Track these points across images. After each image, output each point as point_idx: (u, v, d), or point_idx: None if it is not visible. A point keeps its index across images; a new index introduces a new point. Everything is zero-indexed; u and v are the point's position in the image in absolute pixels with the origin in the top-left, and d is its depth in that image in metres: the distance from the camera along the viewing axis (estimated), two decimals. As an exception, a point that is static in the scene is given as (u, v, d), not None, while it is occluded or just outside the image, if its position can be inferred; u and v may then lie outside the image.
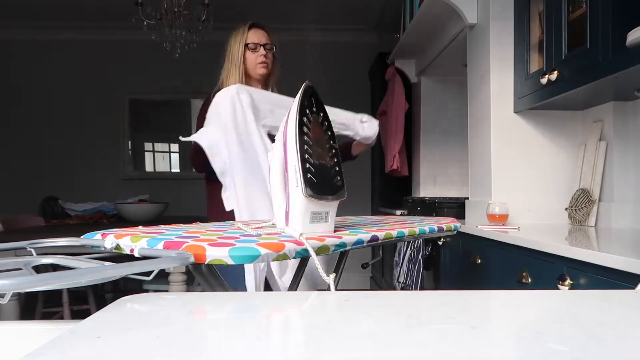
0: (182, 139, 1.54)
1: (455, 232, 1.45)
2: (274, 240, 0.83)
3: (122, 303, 0.52)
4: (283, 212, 0.96)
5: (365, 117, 1.81)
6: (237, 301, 0.59)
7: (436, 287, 2.43)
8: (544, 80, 1.82)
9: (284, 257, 0.80)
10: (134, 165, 4.99)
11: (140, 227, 1.03)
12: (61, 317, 2.87)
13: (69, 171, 4.79)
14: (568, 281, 1.25)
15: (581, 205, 1.94)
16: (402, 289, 2.66)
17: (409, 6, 3.25)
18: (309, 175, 0.90)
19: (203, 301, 0.60)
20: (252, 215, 1.48)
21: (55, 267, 0.64)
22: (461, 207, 2.53)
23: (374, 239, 1.03)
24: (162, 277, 2.25)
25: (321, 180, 0.92)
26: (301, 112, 0.93)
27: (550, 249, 1.34)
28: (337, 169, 0.99)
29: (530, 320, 0.50)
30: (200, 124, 1.65)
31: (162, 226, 1.06)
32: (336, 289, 1.34)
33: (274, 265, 1.45)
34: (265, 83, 1.92)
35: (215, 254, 0.74)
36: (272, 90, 1.88)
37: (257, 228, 1.02)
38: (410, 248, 2.62)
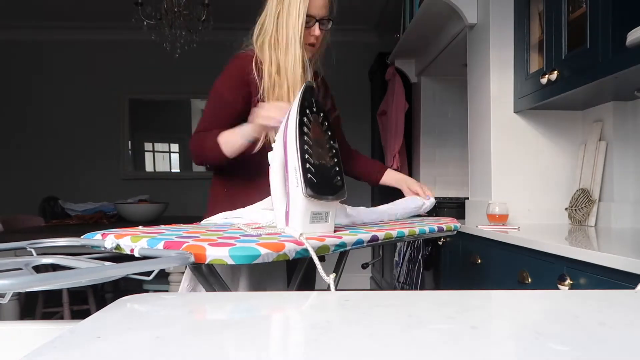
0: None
1: (455, 232, 1.45)
2: (274, 240, 0.83)
3: (122, 303, 0.52)
4: (283, 212, 0.96)
5: (427, 202, 1.59)
6: (237, 301, 0.59)
7: (436, 287, 2.43)
8: (544, 80, 1.82)
9: (284, 257, 0.80)
10: (134, 165, 4.99)
11: (140, 227, 1.03)
12: (61, 317, 2.87)
13: (69, 171, 4.79)
14: (568, 281, 1.25)
15: (581, 205, 1.94)
16: (402, 289, 2.66)
17: (409, 6, 3.25)
18: (309, 175, 0.90)
19: (203, 301, 0.60)
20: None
21: (55, 267, 0.64)
22: (461, 207, 2.53)
23: (374, 239, 1.03)
24: (162, 277, 2.25)
25: (321, 181, 0.92)
26: (301, 112, 0.93)
27: (550, 249, 1.34)
28: (337, 169, 0.99)
29: (530, 320, 0.50)
30: (225, 86, 1.43)
31: (162, 226, 1.06)
32: (336, 289, 1.33)
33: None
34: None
35: (216, 254, 0.74)
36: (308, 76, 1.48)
37: (257, 228, 1.02)
38: (410, 248, 2.62)
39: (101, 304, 3.01)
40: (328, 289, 0.79)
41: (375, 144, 4.33)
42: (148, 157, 5.08)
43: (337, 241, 0.92)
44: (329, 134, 0.99)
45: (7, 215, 3.23)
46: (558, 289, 1.27)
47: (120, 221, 3.25)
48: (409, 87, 3.66)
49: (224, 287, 0.91)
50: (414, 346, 0.39)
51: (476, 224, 1.99)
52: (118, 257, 0.77)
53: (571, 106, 2.07)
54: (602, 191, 1.92)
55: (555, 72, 1.76)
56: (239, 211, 1.22)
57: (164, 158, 5.16)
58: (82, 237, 0.92)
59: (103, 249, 0.85)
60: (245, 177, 1.45)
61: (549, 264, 1.35)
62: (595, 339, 0.41)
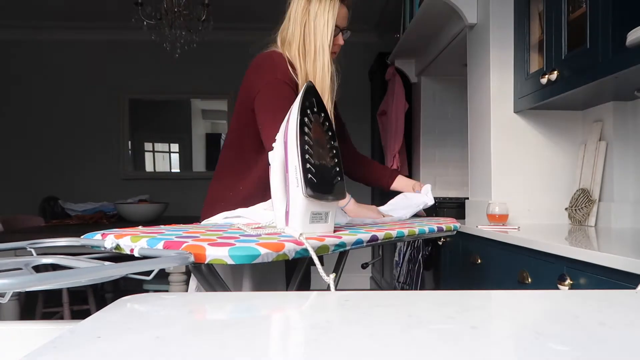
0: None
1: (455, 232, 1.45)
2: (274, 240, 0.83)
3: (122, 303, 0.52)
4: (283, 212, 0.96)
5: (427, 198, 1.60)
6: (237, 301, 0.59)
7: (436, 287, 2.43)
8: (544, 80, 1.82)
9: (284, 256, 0.80)
10: (134, 165, 4.99)
11: (140, 227, 1.03)
12: (61, 317, 2.87)
13: (69, 171, 4.79)
14: (568, 281, 1.25)
15: (581, 205, 1.94)
16: (402, 289, 2.66)
17: (409, 6, 3.25)
18: (310, 175, 0.90)
19: (203, 301, 0.60)
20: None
21: (55, 267, 0.64)
22: (461, 207, 2.53)
23: (374, 239, 1.03)
24: (162, 277, 2.25)
25: (321, 181, 0.92)
26: (302, 112, 0.93)
27: (550, 249, 1.34)
28: (338, 169, 0.98)
29: (530, 320, 0.50)
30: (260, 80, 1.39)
31: (162, 226, 1.06)
32: (336, 289, 1.33)
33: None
34: None
35: (215, 254, 0.74)
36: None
37: (256, 228, 1.02)
38: (410, 248, 2.62)
39: (101, 304, 3.01)
40: (328, 288, 0.79)
41: (375, 144, 4.33)
42: (148, 157, 5.09)
43: (337, 241, 0.92)
44: (330, 134, 0.99)
45: (7, 215, 3.23)
46: (558, 289, 1.27)
47: (120, 221, 3.25)
48: (409, 87, 3.66)
49: (224, 287, 0.91)
50: (414, 346, 0.39)
51: (476, 224, 1.99)
52: (118, 257, 0.77)
53: (571, 106, 2.07)
54: (602, 191, 1.92)
55: (555, 72, 1.76)
56: (239, 211, 1.22)
57: (164, 158, 5.16)
58: (82, 237, 0.92)
59: (103, 249, 0.85)
60: (258, 183, 1.41)
61: (549, 264, 1.35)
62: (595, 339, 0.41)
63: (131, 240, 0.83)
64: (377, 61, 4.15)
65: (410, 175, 3.73)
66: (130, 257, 0.71)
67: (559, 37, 1.78)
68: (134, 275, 0.63)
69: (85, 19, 4.60)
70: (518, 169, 2.15)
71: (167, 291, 2.41)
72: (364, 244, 1.00)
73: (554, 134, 2.15)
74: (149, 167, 5.05)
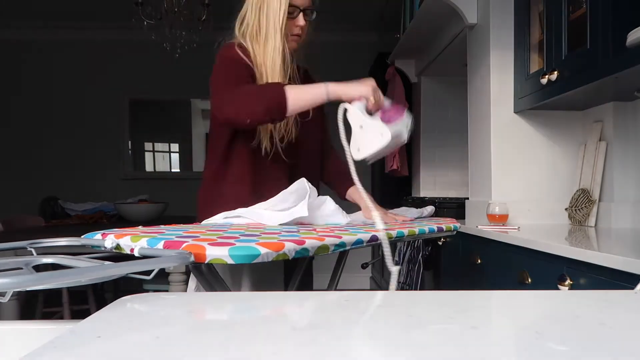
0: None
1: (455, 232, 1.45)
2: (274, 239, 0.83)
3: (122, 303, 0.52)
4: None
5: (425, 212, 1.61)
6: (237, 301, 0.59)
7: (436, 287, 2.43)
8: (544, 81, 1.82)
9: (284, 256, 0.80)
10: (134, 165, 4.99)
11: (140, 227, 1.03)
12: (61, 317, 2.87)
13: (69, 171, 4.79)
14: (568, 281, 1.25)
15: (581, 205, 1.94)
16: (402, 289, 2.66)
17: (409, 6, 3.25)
18: None
19: (203, 301, 0.60)
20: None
21: (55, 267, 0.64)
22: (461, 207, 2.53)
23: (374, 239, 1.03)
24: (162, 277, 2.25)
25: None
26: None
27: (550, 249, 1.34)
28: None
29: (530, 320, 0.50)
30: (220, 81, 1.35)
31: (162, 226, 1.06)
32: (336, 289, 1.33)
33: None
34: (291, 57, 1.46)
35: (215, 254, 0.74)
36: (292, 71, 1.45)
37: (257, 228, 1.02)
38: (410, 248, 2.62)
39: (101, 304, 3.01)
40: (329, 288, 0.79)
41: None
42: (148, 157, 5.09)
43: (337, 241, 0.92)
44: None
45: (7, 215, 3.23)
46: (558, 289, 1.27)
47: (120, 221, 3.25)
48: (409, 87, 3.66)
49: (224, 287, 0.91)
50: (414, 346, 0.39)
51: (476, 224, 1.99)
52: (118, 256, 0.77)
53: (571, 106, 2.07)
54: (602, 191, 1.92)
55: (556, 72, 1.76)
56: (239, 211, 1.22)
57: (164, 158, 5.16)
58: (82, 237, 0.92)
59: (103, 248, 0.85)
60: (252, 181, 1.41)
61: (549, 264, 1.35)
62: (595, 339, 0.41)
63: (131, 240, 0.83)
64: (377, 61, 4.14)
65: (410, 175, 3.72)
66: (130, 257, 0.71)
67: (559, 37, 1.78)
68: (134, 274, 0.63)
69: (85, 19, 4.60)
70: (518, 169, 2.15)
71: (167, 291, 2.41)
72: (364, 244, 1.00)
73: (554, 134, 2.15)
74: (149, 167, 5.05)
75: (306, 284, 1.52)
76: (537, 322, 0.49)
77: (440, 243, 2.33)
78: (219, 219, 1.24)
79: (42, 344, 0.37)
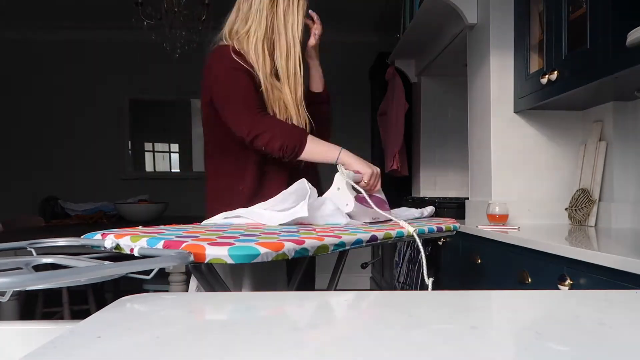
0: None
1: (455, 232, 1.45)
2: (273, 239, 0.83)
3: (122, 303, 0.52)
4: None
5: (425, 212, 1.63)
6: (237, 301, 0.59)
7: (436, 287, 2.43)
8: (544, 81, 1.82)
9: (283, 256, 0.80)
10: (134, 165, 4.99)
11: (140, 227, 1.03)
12: (61, 317, 2.87)
13: (69, 171, 4.79)
14: (568, 281, 1.25)
15: (581, 205, 1.94)
16: (402, 289, 2.66)
17: (409, 6, 3.25)
18: None
19: (203, 301, 0.60)
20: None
21: (55, 267, 0.64)
22: (461, 207, 2.53)
23: (373, 238, 1.03)
24: (162, 277, 2.25)
25: None
26: None
27: (550, 249, 1.34)
28: None
29: (530, 320, 0.50)
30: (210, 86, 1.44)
31: (162, 226, 1.06)
32: (336, 289, 1.33)
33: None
34: None
35: (215, 253, 0.74)
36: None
37: (257, 228, 1.02)
38: (410, 248, 2.62)
39: (101, 304, 3.01)
40: (328, 289, 0.79)
41: (375, 144, 4.33)
42: (148, 157, 5.09)
43: (337, 241, 0.92)
44: None
45: (7, 215, 3.23)
46: (558, 289, 1.27)
47: (120, 221, 3.25)
48: (409, 87, 3.66)
49: (224, 287, 0.91)
50: (414, 346, 0.39)
51: (476, 224, 1.99)
52: (118, 256, 0.77)
53: (571, 106, 2.07)
54: (602, 191, 1.92)
55: (555, 72, 1.76)
56: (239, 211, 1.22)
57: (164, 158, 5.16)
58: (82, 237, 0.92)
59: (103, 248, 0.85)
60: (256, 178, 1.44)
61: (549, 264, 1.35)
62: (595, 339, 0.41)
63: (131, 240, 0.83)
64: (377, 61, 4.14)
65: (410, 175, 3.73)
66: (130, 257, 0.71)
67: (559, 37, 1.78)
68: (133, 274, 0.63)
69: (85, 19, 4.59)
70: (518, 169, 2.15)
71: (167, 291, 2.41)
72: (364, 244, 1.00)
73: (554, 134, 2.15)
74: (149, 167, 5.05)
75: (307, 286, 1.52)
76: (537, 322, 0.49)
77: (440, 243, 2.33)
78: (218, 219, 1.24)
79: (42, 344, 0.37)
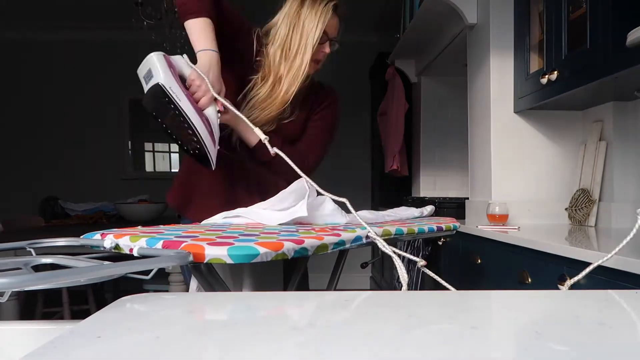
0: None
1: (455, 231, 1.45)
2: (273, 239, 0.83)
3: (122, 303, 0.52)
4: None
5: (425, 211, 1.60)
6: (237, 301, 0.59)
7: (436, 287, 2.43)
8: (544, 80, 1.82)
9: (283, 256, 0.80)
10: (134, 165, 4.99)
11: (139, 227, 1.03)
12: (61, 317, 2.87)
13: (69, 171, 4.79)
14: (568, 281, 1.24)
15: (581, 205, 1.94)
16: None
17: (409, 6, 3.25)
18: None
19: (203, 301, 0.60)
20: None
21: (54, 267, 0.64)
22: (461, 207, 2.53)
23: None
24: (162, 278, 2.25)
25: None
26: None
27: (550, 249, 1.34)
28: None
29: (530, 320, 0.50)
30: None
31: (162, 226, 1.06)
32: (336, 289, 1.33)
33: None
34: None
35: (214, 253, 0.74)
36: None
37: (257, 228, 1.02)
38: (410, 248, 2.62)
39: (101, 304, 3.01)
40: (328, 289, 0.79)
41: (375, 144, 4.33)
42: (148, 157, 5.09)
43: (336, 239, 0.92)
44: None
45: (7, 215, 3.23)
46: (558, 289, 1.27)
47: (120, 221, 3.25)
48: (409, 87, 3.66)
49: (223, 287, 0.91)
50: (414, 346, 0.39)
51: (476, 224, 1.99)
52: (117, 256, 0.77)
53: (571, 106, 2.07)
54: (602, 191, 1.92)
55: (555, 72, 1.76)
56: (238, 210, 1.22)
57: (164, 158, 5.16)
58: (81, 237, 0.92)
59: (102, 248, 0.85)
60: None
61: (549, 264, 1.35)
62: (595, 339, 0.41)
63: (130, 240, 0.83)
64: (377, 61, 4.14)
65: (410, 175, 3.73)
66: (129, 257, 0.71)
67: (559, 37, 1.78)
68: (133, 274, 0.63)
69: (85, 19, 4.59)
70: (518, 169, 2.15)
71: (167, 291, 2.41)
72: (364, 241, 1.00)
73: (554, 134, 2.15)
74: (149, 167, 5.05)
75: (302, 285, 1.51)
76: (537, 322, 0.49)
77: (440, 243, 2.33)
78: (218, 218, 1.24)
79: (42, 344, 0.37)
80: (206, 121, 1.21)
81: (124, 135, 4.91)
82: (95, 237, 0.90)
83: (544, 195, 2.14)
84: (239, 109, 1.32)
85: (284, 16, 1.45)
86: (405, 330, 0.43)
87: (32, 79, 4.82)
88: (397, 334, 0.42)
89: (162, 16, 3.50)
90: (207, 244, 0.76)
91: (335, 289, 1.36)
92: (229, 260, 0.74)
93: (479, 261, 1.86)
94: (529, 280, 1.47)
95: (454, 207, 2.63)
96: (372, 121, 4.44)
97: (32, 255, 0.81)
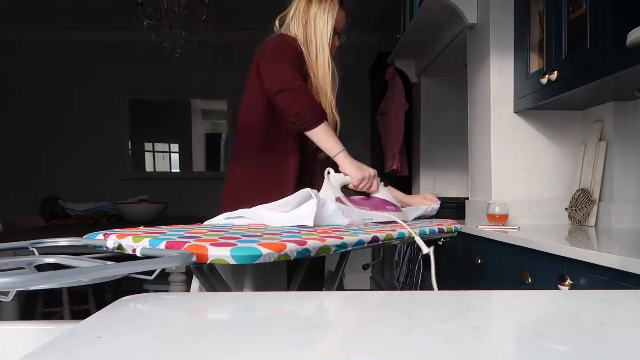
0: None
1: (456, 233, 1.45)
2: (275, 240, 0.83)
3: (122, 303, 0.52)
4: None
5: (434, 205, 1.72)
6: (237, 301, 0.59)
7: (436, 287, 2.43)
8: (544, 80, 1.82)
9: (285, 257, 0.80)
10: (134, 165, 4.99)
11: (142, 227, 1.03)
12: (61, 317, 2.87)
13: (69, 171, 4.79)
14: (568, 281, 1.25)
15: (581, 205, 1.94)
16: (402, 289, 2.66)
17: (409, 6, 3.25)
18: None
19: (203, 301, 0.60)
20: None
21: (57, 267, 0.64)
22: (461, 207, 2.53)
23: (375, 239, 1.03)
24: (163, 278, 2.24)
25: None
26: None
27: (550, 249, 1.34)
28: None
29: (530, 320, 0.50)
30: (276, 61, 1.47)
31: (164, 226, 1.06)
32: (336, 289, 1.33)
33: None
34: None
35: (217, 254, 0.74)
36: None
37: (258, 228, 1.02)
38: (410, 248, 2.62)
39: (101, 304, 3.01)
40: (328, 289, 0.79)
41: (375, 144, 4.33)
42: (148, 157, 5.08)
43: (338, 242, 0.92)
44: None
45: (7, 215, 3.23)
46: (558, 289, 1.27)
47: (120, 221, 3.25)
48: (409, 87, 3.66)
49: (225, 287, 0.92)
50: (414, 346, 0.39)
51: (476, 224, 1.99)
52: (120, 257, 0.78)
53: (571, 106, 2.07)
54: (602, 191, 1.92)
55: (555, 72, 1.76)
56: (241, 211, 1.22)
57: (164, 158, 5.16)
58: (84, 237, 0.92)
59: (105, 249, 0.85)
60: (272, 175, 1.50)
61: (549, 264, 1.35)
62: (595, 339, 0.41)
63: (133, 240, 0.83)
64: (377, 61, 4.14)
65: (410, 176, 3.73)
66: (132, 257, 0.71)
67: (559, 37, 1.78)
68: (136, 274, 0.63)
69: (85, 19, 4.59)
70: (518, 169, 2.15)
71: (167, 291, 2.41)
72: (365, 245, 1.00)
73: (554, 134, 2.15)
74: (149, 167, 5.05)
75: (317, 284, 1.53)
76: (537, 322, 0.49)
77: (440, 243, 2.33)
78: (220, 219, 1.24)
79: (42, 344, 0.37)
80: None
81: (124, 135, 4.91)
82: (97, 237, 0.90)
83: (544, 195, 2.14)
84: None
85: (295, 15, 1.53)
86: (405, 330, 0.43)
87: (32, 79, 4.82)
88: (397, 334, 0.42)
89: (162, 16, 3.49)
90: (210, 244, 0.76)
91: (336, 289, 1.36)
92: (232, 261, 0.74)
93: (479, 261, 1.86)
94: (529, 280, 1.47)
95: (454, 207, 2.63)
96: (372, 121, 4.44)
97: (34, 255, 0.81)
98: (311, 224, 1.10)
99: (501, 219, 1.92)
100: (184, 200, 4.53)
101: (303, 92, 1.39)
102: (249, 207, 1.23)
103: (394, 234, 1.11)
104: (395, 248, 2.89)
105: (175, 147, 5.19)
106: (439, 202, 1.71)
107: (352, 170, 1.39)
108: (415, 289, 2.50)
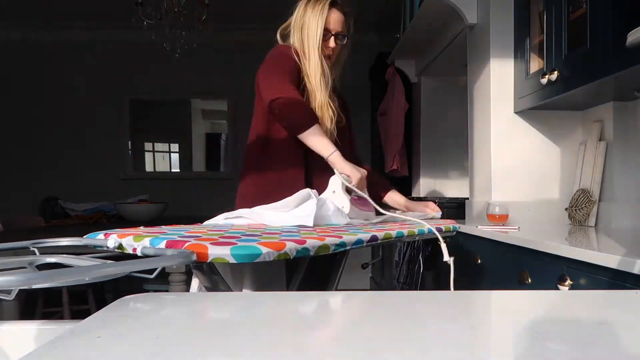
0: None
1: (455, 232, 1.45)
2: (275, 239, 0.83)
3: (122, 303, 0.52)
4: None
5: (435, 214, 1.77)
6: (237, 301, 0.59)
7: (436, 287, 2.43)
8: (544, 81, 1.82)
9: (285, 256, 0.80)
10: (134, 165, 4.99)
11: (142, 227, 1.04)
12: (61, 317, 2.87)
13: (69, 171, 4.79)
14: (568, 281, 1.25)
15: (581, 205, 1.94)
16: (402, 289, 2.66)
17: (409, 6, 3.25)
18: None
19: (203, 301, 0.60)
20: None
21: (58, 267, 0.64)
22: (461, 207, 2.53)
23: (374, 239, 1.03)
24: (162, 278, 2.25)
25: None
26: None
27: (550, 249, 1.34)
28: None
29: (529, 320, 0.50)
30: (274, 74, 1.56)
31: (164, 226, 1.06)
32: (336, 289, 1.34)
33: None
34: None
35: (217, 253, 0.74)
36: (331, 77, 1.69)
37: (258, 228, 1.02)
38: (410, 248, 2.62)
39: (101, 304, 3.01)
40: (328, 288, 0.79)
41: (375, 144, 4.33)
42: (148, 157, 5.09)
43: (337, 241, 0.92)
44: None
45: (7, 215, 3.23)
46: (558, 289, 1.27)
47: (120, 221, 3.25)
48: (409, 87, 3.66)
49: (225, 286, 0.92)
50: (414, 346, 0.39)
51: (476, 224, 1.99)
52: (120, 256, 0.78)
53: (571, 106, 2.07)
54: (602, 191, 1.92)
55: (555, 72, 1.76)
56: (240, 211, 1.22)
57: (164, 158, 5.16)
58: (84, 236, 0.92)
59: (106, 248, 0.85)
60: (277, 176, 1.58)
61: (549, 264, 1.35)
62: (595, 339, 0.41)
63: (134, 239, 0.83)
64: (377, 61, 4.14)
65: (410, 175, 3.73)
66: (132, 257, 0.71)
67: (559, 37, 1.78)
68: (136, 273, 0.63)
69: (85, 19, 4.60)
70: (518, 169, 2.15)
71: (167, 291, 2.41)
72: (364, 244, 1.00)
73: (554, 134, 2.15)
74: (149, 167, 5.05)
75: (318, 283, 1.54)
76: (537, 322, 0.49)
77: (440, 243, 2.32)
78: (220, 219, 1.24)
79: (42, 344, 0.37)
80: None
81: (124, 135, 4.91)
82: (98, 237, 0.90)
83: (544, 195, 2.14)
84: None
85: (294, 22, 1.64)
86: (405, 330, 0.43)
87: (32, 79, 4.82)
88: (397, 334, 0.42)
89: (162, 16, 3.49)
90: (210, 243, 0.76)
91: (335, 289, 1.36)
92: (232, 260, 0.74)
93: (479, 261, 1.86)
94: (529, 280, 1.47)
95: (454, 207, 2.63)
96: (372, 121, 4.44)
97: (35, 254, 0.81)
98: (311, 224, 1.11)
99: (501, 219, 1.92)
100: (184, 200, 4.53)
101: (294, 99, 1.49)
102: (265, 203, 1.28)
103: (393, 233, 1.11)
104: (395, 248, 2.89)
105: (175, 147, 5.19)
106: (440, 212, 1.78)
107: (351, 170, 1.43)
108: (415, 289, 2.50)
